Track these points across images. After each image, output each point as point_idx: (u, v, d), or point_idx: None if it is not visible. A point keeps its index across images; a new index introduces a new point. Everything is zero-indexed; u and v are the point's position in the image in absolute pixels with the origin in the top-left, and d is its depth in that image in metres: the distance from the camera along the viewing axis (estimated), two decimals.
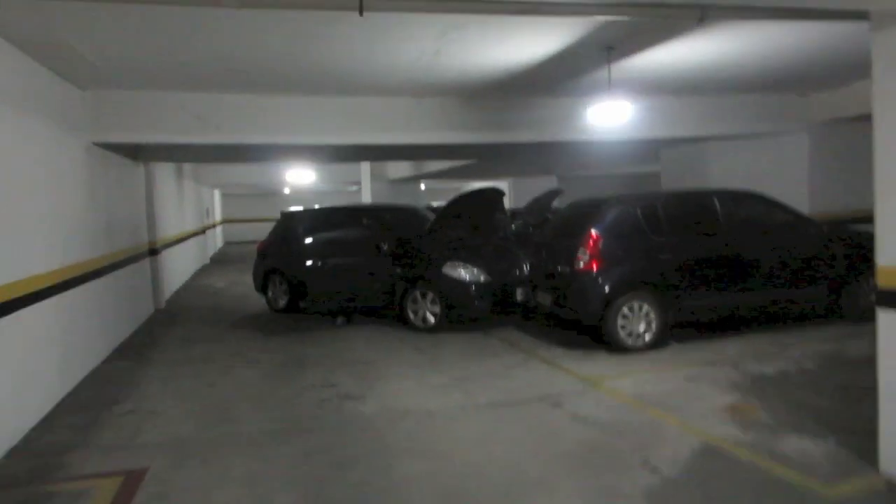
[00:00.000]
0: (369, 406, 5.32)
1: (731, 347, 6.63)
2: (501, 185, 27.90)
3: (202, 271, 16.81)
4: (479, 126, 8.00)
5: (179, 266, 13.74)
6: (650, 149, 10.96)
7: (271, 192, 28.28)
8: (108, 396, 5.81)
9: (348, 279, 8.69)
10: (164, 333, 8.63)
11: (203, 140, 7.16)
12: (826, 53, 6.61)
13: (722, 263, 6.88)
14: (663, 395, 5.25)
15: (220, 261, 20.24)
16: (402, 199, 17.96)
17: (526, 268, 8.42)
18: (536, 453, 4.22)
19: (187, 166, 15.97)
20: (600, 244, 6.65)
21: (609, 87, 6.59)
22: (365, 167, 18.31)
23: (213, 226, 23.31)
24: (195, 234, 16.64)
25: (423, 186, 24.51)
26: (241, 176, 20.00)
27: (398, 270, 8.47)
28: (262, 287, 10.20)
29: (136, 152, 9.36)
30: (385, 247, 8.58)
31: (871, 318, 6.60)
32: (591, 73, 6.75)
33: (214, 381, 6.22)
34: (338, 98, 7.45)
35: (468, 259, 8.30)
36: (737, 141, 9.62)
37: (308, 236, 9.20)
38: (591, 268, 6.64)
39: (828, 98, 8.94)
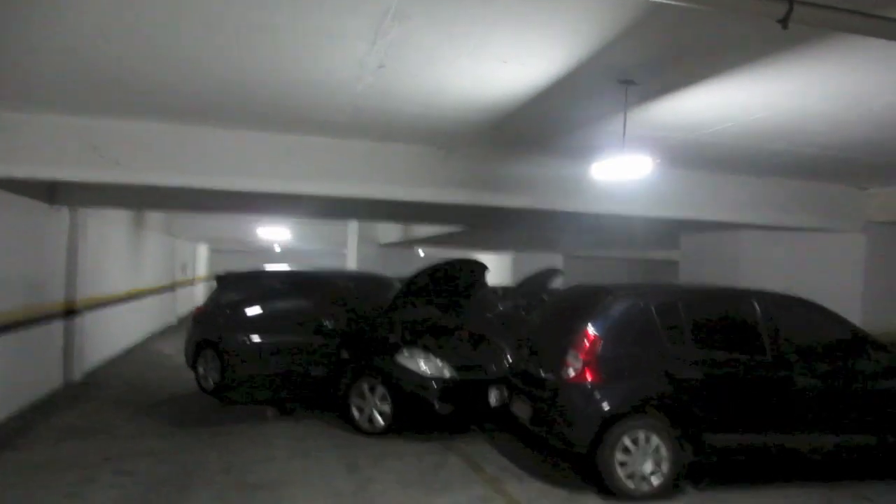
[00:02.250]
0: None
1: None
2: (503, 258, 26.38)
3: (162, 333, 15.10)
4: (458, 183, 6.45)
5: (125, 328, 12.06)
6: (669, 231, 9.35)
7: (261, 250, 26.84)
8: None
9: (284, 361, 6.93)
10: (46, 418, 6.85)
11: (99, 177, 5.63)
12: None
13: (762, 390, 5.11)
14: None
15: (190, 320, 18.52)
16: (392, 266, 16.32)
17: (507, 362, 6.70)
18: None
19: (154, 216, 14.54)
20: (599, 348, 4.94)
21: (624, 139, 4.93)
22: (352, 228, 16.85)
23: (191, 282, 21.75)
24: (156, 292, 15.03)
25: (421, 253, 22.93)
26: (223, 230, 18.52)
27: (344, 355, 6.75)
28: (193, 361, 8.49)
29: (53, 193, 7.85)
30: (328, 324, 6.90)
31: None
32: (601, 121, 5.17)
33: None
34: (274, 135, 5.95)
35: (432, 347, 6.60)
36: (777, 233, 7.99)
37: (246, 305, 7.52)
38: (585, 378, 4.90)
39: (893, 194, 7.37)
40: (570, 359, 4.98)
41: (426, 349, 6.50)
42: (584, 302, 5.47)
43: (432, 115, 5.04)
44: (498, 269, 26.93)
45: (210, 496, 4.73)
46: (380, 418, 6.40)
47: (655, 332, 5.09)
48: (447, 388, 6.25)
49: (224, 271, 8.32)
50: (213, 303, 8.30)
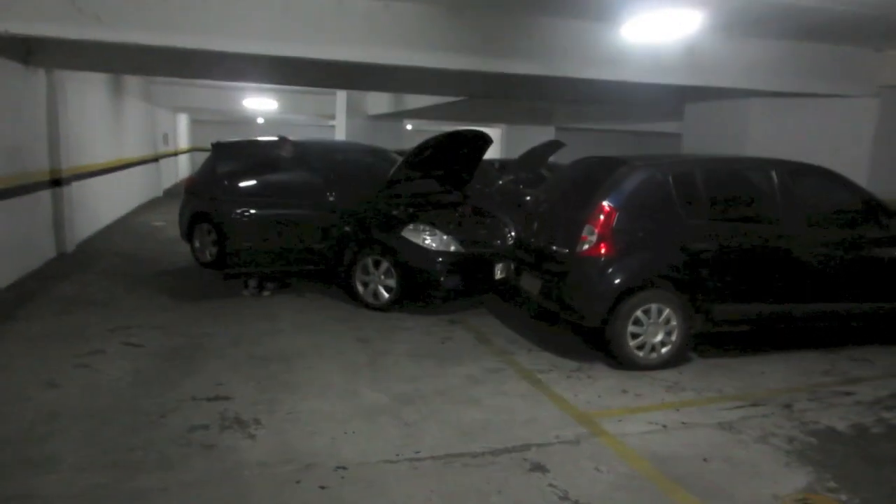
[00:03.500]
0: (257, 446, 3.55)
1: (773, 374, 4.91)
2: (492, 132, 25.78)
3: (148, 205, 14.80)
4: (467, 48, 5.98)
5: (112, 199, 11.75)
6: (669, 101, 8.98)
7: (244, 121, 25.92)
8: None
9: (286, 234, 6.74)
10: (44, 290, 6.76)
11: (79, 34, 5.09)
12: None
13: (776, 261, 5.08)
14: (695, 461, 3.53)
15: (176, 193, 18.13)
16: (380, 139, 15.75)
17: (510, 237, 6.61)
18: None
19: (133, 82, 13.77)
20: (614, 221, 4.81)
21: None
22: (341, 98, 16.15)
23: (175, 154, 21.12)
24: (141, 163, 14.55)
25: (409, 126, 22.29)
26: (204, 100, 17.64)
27: (347, 229, 6.59)
28: (188, 234, 8.31)
29: (28, 54, 7.28)
30: (333, 197, 6.66)
31: None
32: None
33: (60, 378, 4.40)
34: None
35: (437, 222, 6.46)
36: (785, 101, 7.68)
37: (243, 176, 7.18)
38: (599, 252, 4.82)
39: None
40: (585, 232, 4.86)
41: (432, 224, 6.36)
42: (597, 174, 5.27)
43: None
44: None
45: (224, 366, 4.73)
46: (384, 293, 6.36)
47: (671, 204, 4.96)
48: (453, 262, 6.17)
49: (219, 140, 7.91)
50: (208, 173, 7.96)
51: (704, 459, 3.56)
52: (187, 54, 5.93)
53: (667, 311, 4.89)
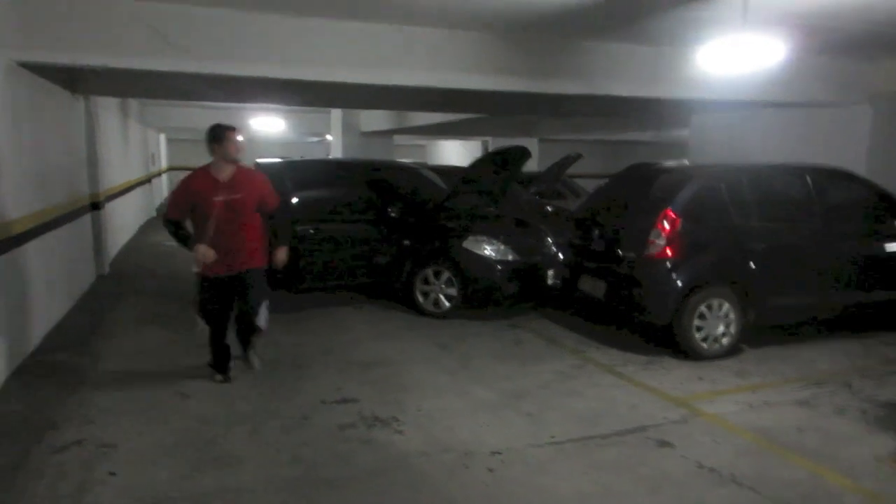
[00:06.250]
0: (410, 439, 3.93)
1: (821, 359, 5.51)
2: (474, 144, 26.38)
3: (148, 226, 14.80)
4: (513, 70, 6.47)
5: (125, 221, 11.83)
6: (683, 112, 9.66)
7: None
8: (38, 415, 4.23)
9: (352, 249, 6.99)
10: (110, 310, 6.94)
11: (165, 66, 5.39)
12: None
13: (815, 256, 5.71)
14: (792, 432, 4.05)
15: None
16: (373, 154, 16.18)
17: (551, 245, 7.09)
18: None
19: (133, 104, 13.85)
20: (679, 227, 5.36)
21: (746, 15, 4.96)
22: (335, 116, 16.48)
23: (159, 174, 21.05)
24: (141, 183, 14.59)
25: (395, 141, 22.70)
26: (192, 120, 17.73)
27: (406, 243, 6.98)
28: None
29: (74, 81, 7.45)
30: (393, 213, 7.03)
31: None
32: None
33: (187, 389, 4.68)
34: (345, 22, 5.79)
35: (491, 233, 6.91)
36: (786, 110, 8.42)
37: (311, 194, 7.39)
38: (666, 255, 5.35)
39: None
40: (652, 237, 5.39)
41: (486, 234, 6.80)
42: (655, 183, 5.84)
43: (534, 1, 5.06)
44: (469, 156, 27.00)
45: (331, 373, 5.05)
46: (445, 301, 6.76)
47: (725, 209, 5.55)
48: (511, 270, 6.64)
49: (260, 161, 8.18)
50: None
51: (799, 430, 4.09)
52: (246, 80, 6.28)
53: (726, 306, 5.44)
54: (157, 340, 5.88)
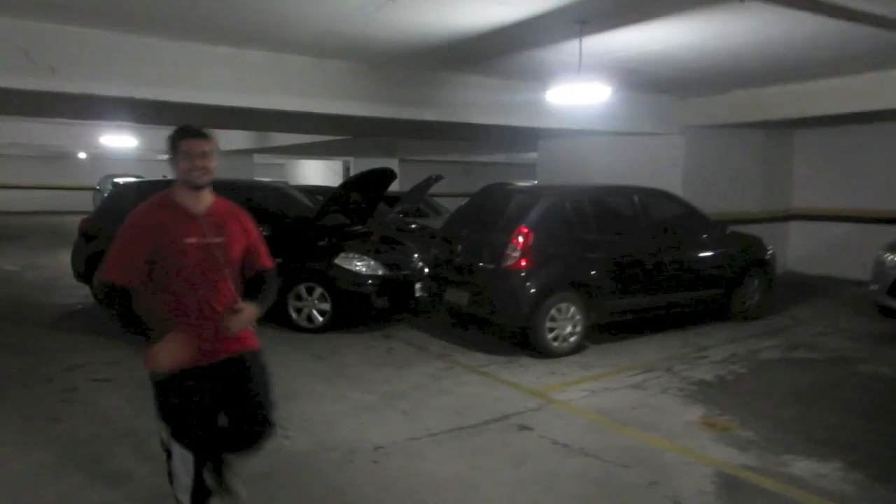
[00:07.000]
0: (297, 442, 4.21)
1: (648, 350, 6.45)
2: (335, 163, 26.60)
3: None
4: (384, 99, 6.97)
5: None
6: (530, 138, 10.66)
7: (60, 156, 24.05)
8: None
9: None
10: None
11: (31, 85, 5.29)
12: (721, 58, 6.60)
13: (641, 263, 6.67)
14: (627, 410, 4.82)
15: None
16: (233, 174, 15.98)
17: (417, 260, 7.62)
18: (553, 498, 3.52)
19: None
20: (531, 240, 6.08)
21: (580, 66, 5.86)
22: None
23: None
24: None
25: (255, 160, 22.36)
26: (23, 135, 16.46)
27: (277, 261, 7.12)
28: (86, 274, 8.19)
29: None
30: (264, 231, 7.17)
31: (755, 318, 7.02)
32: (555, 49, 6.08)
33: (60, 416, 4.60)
34: (223, 48, 5.98)
35: (361, 249, 7.29)
36: (619, 138, 9.63)
37: None
38: (521, 266, 6.04)
39: (705, 103, 9.24)
40: (508, 250, 6.07)
41: (360, 251, 7.17)
42: (509, 201, 6.57)
43: (398, 41, 5.56)
44: (331, 174, 27.15)
45: None
46: (319, 316, 7.03)
47: (570, 224, 6.37)
48: (382, 285, 7.06)
49: (116, 181, 8.01)
50: (108, 212, 8.01)
51: (633, 408, 4.87)
52: (119, 101, 6.25)
53: (573, 308, 6.23)
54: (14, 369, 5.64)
